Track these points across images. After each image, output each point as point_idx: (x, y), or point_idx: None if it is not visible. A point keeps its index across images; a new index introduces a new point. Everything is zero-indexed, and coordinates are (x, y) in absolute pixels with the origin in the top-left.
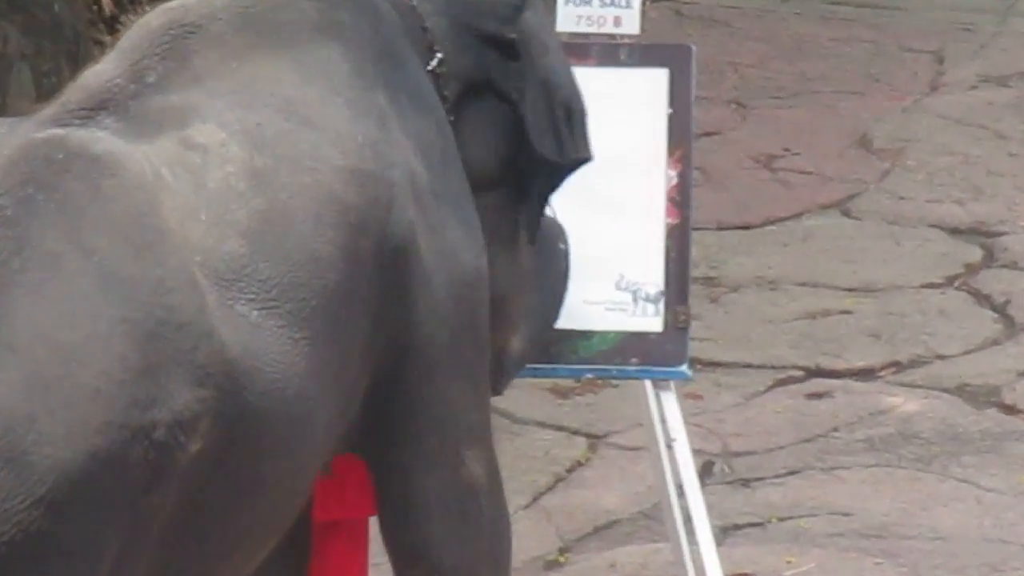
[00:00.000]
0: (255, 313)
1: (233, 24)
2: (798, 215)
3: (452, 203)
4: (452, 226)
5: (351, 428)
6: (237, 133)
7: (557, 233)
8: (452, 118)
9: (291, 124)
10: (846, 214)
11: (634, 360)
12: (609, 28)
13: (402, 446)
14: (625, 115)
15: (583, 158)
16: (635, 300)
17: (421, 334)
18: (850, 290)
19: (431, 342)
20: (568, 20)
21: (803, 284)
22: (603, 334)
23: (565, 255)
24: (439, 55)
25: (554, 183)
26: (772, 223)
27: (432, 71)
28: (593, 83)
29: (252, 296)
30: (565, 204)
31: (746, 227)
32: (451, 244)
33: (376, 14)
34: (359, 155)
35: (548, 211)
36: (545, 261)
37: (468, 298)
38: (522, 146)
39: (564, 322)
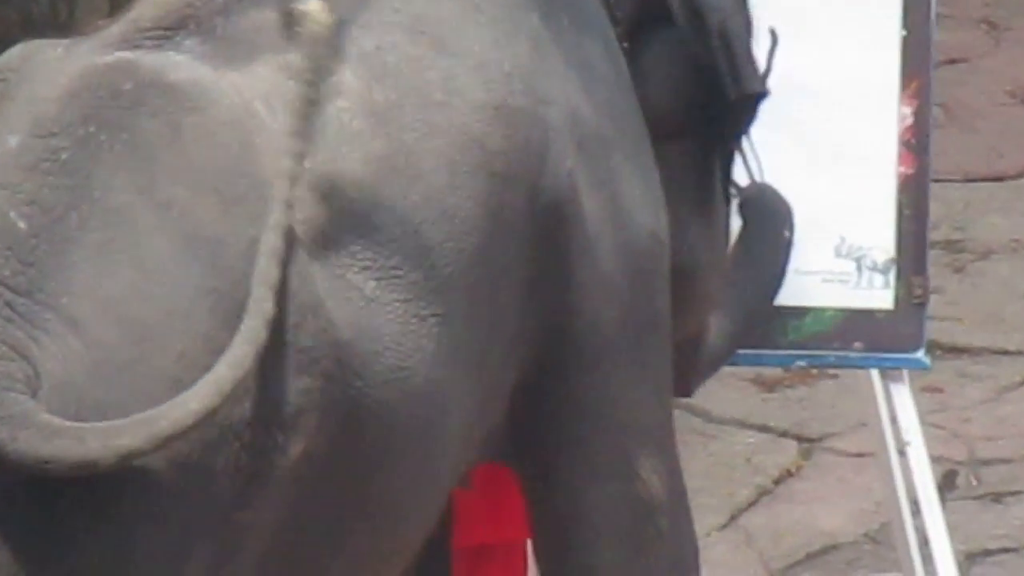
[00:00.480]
0: (372, 283)
1: None
2: None
3: (625, 150)
4: (624, 179)
5: (496, 431)
6: (351, 58)
7: (774, 198)
8: (626, 45)
9: (419, 48)
10: None
11: (858, 344)
12: None
13: (561, 454)
14: (846, 38)
15: (749, 94)
16: (859, 269)
17: (584, 314)
18: None
19: (596, 324)
20: None
21: None
22: (819, 311)
23: (787, 223)
24: None
25: (734, 127)
26: None
27: None
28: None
29: (368, 263)
30: (771, 151)
31: (1000, 178)
32: (623, 202)
33: None
34: (506, 88)
35: (755, 169)
36: (758, 230)
37: (644, 270)
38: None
39: None
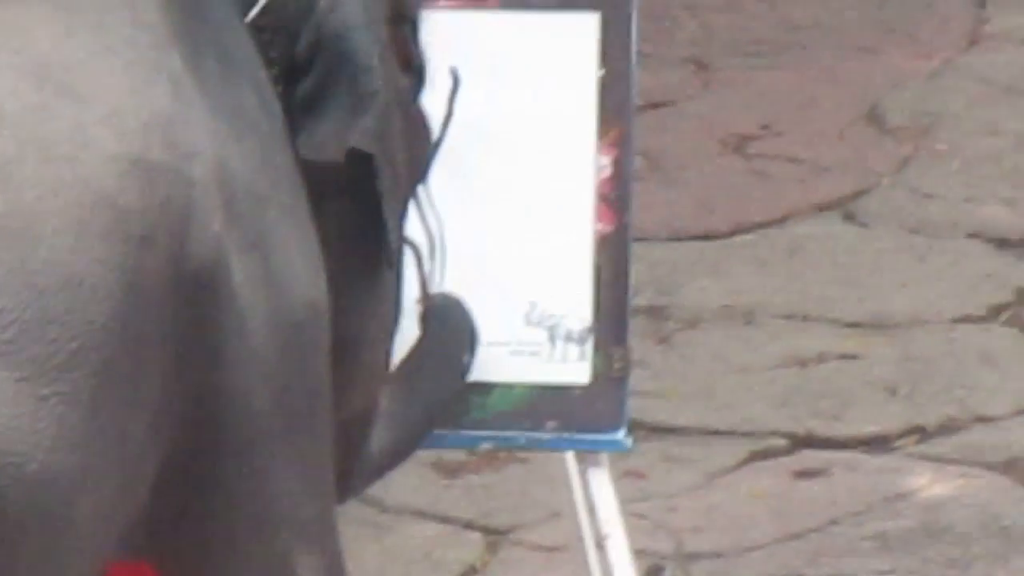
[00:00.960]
0: None
1: None
2: (782, 220)
3: (280, 208)
4: (279, 242)
5: (138, 524)
6: None
7: (459, 314)
8: (280, 88)
9: (43, 95)
10: (849, 218)
11: (551, 424)
12: None
13: (210, 552)
14: (538, 79)
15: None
16: (552, 339)
17: (233, 395)
18: (855, 325)
19: (247, 407)
20: None
21: (789, 317)
22: (507, 387)
23: (469, 345)
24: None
25: (379, 186)
26: (746, 231)
27: (254, 23)
28: (494, 33)
29: None
30: (453, 205)
31: (709, 237)
32: (276, 267)
33: None
34: (143, 139)
35: (434, 227)
36: (434, 347)
37: (299, 343)
38: None
39: None
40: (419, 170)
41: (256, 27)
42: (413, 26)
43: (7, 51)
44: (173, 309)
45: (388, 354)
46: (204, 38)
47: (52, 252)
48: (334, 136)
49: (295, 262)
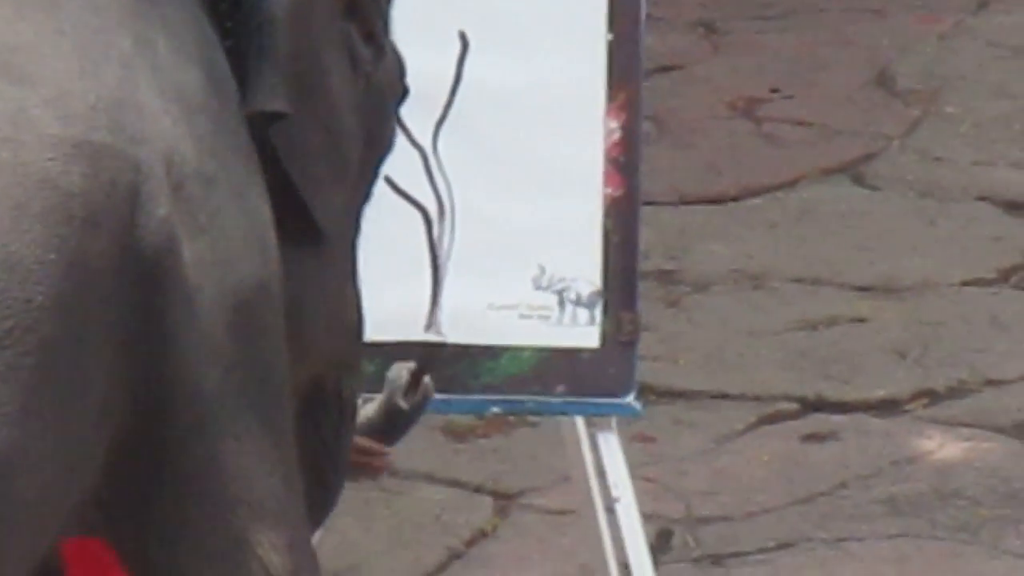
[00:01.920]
0: None
1: None
2: (792, 183)
3: (230, 190)
4: (228, 222)
5: (88, 504)
6: None
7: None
8: (233, 59)
9: None
10: (859, 182)
11: (560, 388)
12: None
13: (165, 532)
14: (547, 43)
15: (263, 110)
16: (562, 303)
17: (184, 377)
18: (864, 289)
19: (198, 388)
20: None
21: (799, 281)
22: (516, 351)
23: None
24: None
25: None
26: (755, 195)
27: None
28: None
29: None
30: (462, 169)
31: (719, 200)
32: (225, 250)
33: None
34: (88, 122)
35: (443, 190)
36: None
37: (248, 324)
38: None
39: (462, 334)
40: (382, 141)
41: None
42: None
43: None
44: (120, 292)
45: (333, 324)
46: (154, 19)
47: None
48: (249, 95)
49: (243, 241)
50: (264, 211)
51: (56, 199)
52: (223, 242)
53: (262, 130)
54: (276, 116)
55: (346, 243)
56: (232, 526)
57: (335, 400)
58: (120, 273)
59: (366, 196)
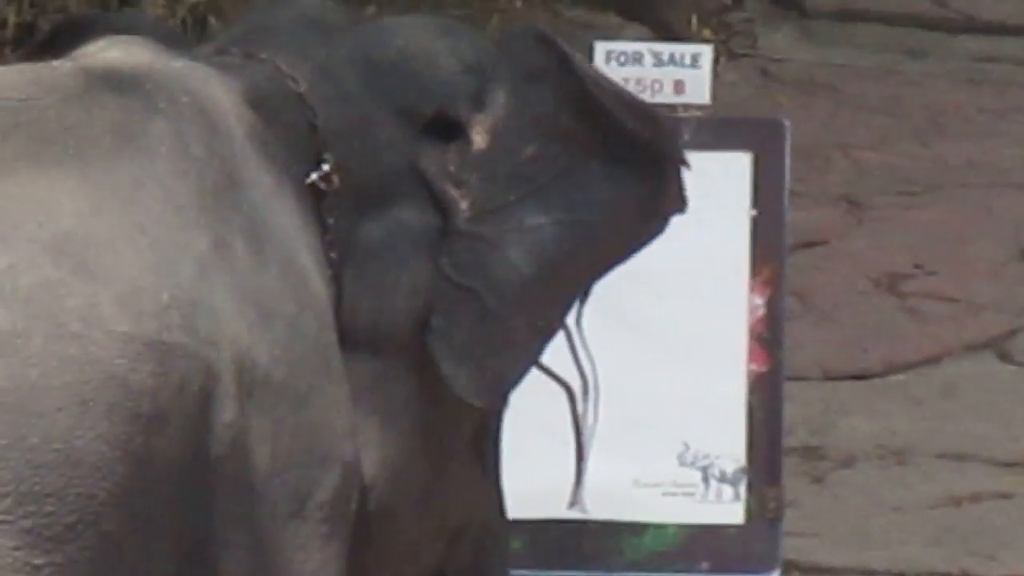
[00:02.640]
0: None
1: None
2: (937, 359)
3: (291, 400)
4: (290, 432)
5: None
6: None
7: None
8: (334, 255)
9: (60, 271)
10: (1005, 358)
11: (705, 564)
12: (668, 96)
13: None
14: (691, 218)
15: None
16: (706, 479)
17: None
18: (1010, 465)
19: None
20: None
21: (943, 456)
22: (660, 528)
23: None
24: (327, 164)
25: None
26: (899, 370)
27: (313, 184)
28: None
29: None
30: (605, 345)
31: (863, 376)
32: (286, 457)
33: (218, 115)
34: (160, 320)
35: (586, 366)
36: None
37: (331, 507)
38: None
39: (606, 511)
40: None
41: (316, 190)
42: None
43: (31, 224)
44: (183, 492)
45: (433, 532)
46: (236, 220)
47: (52, 428)
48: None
49: (308, 453)
50: (344, 418)
51: (123, 396)
52: (284, 450)
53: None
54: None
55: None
56: None
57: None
58: (185, 473)
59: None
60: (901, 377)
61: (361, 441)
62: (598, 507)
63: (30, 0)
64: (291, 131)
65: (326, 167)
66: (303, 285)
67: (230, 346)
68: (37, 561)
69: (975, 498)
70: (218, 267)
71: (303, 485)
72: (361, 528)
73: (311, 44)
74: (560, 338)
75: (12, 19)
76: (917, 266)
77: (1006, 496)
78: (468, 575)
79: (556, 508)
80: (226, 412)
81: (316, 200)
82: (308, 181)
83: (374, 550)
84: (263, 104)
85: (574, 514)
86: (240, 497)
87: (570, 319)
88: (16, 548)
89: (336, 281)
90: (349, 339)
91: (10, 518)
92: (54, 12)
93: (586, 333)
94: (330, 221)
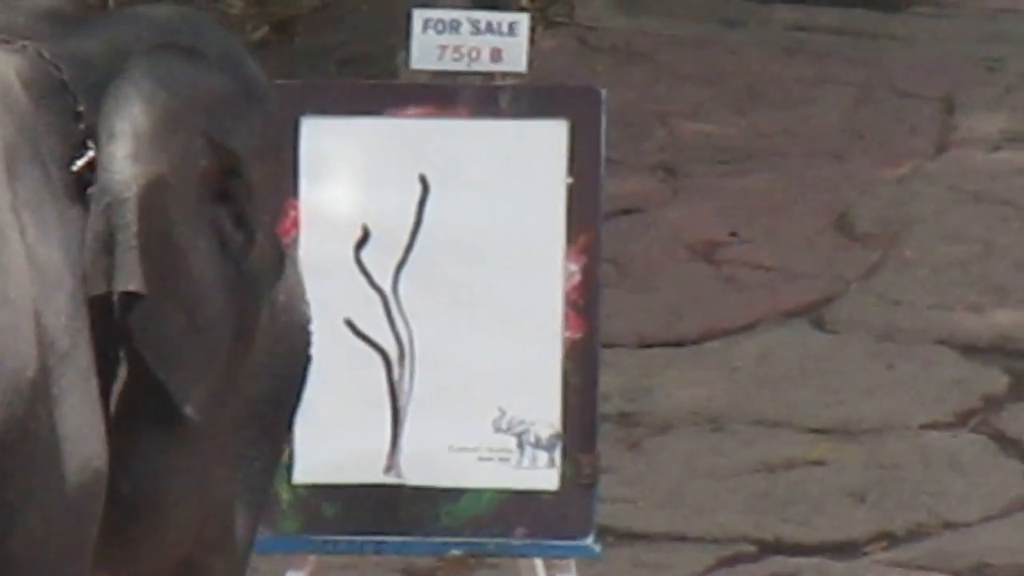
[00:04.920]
0: None
1: None
2: (751, 327)
3: (76, 370)
4: (78, 402)
5: None
6: None
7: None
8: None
9: None
10: (818, 325)
11: (520, 530)
12: (486, 64)
13: None
14: (507, 186)
15: (123, 291)
16: (521, 446)
17: (21, 548)
18: (823, 432)
19: (34, 561)
20: (427, 53)
21: (758, 423)
22: (476, 493)
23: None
24: (91, 151)
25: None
26: (715, 337)
27: (79, 172)
28: (463, 141)
29: None
30: (422, 312)
31: (679, 343)
32: (76, 428)
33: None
34: None
35: (403, 333)
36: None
37: (84, 506)
38: None
39: (422, 476)
40: (251, 323)
41: (79, 177)
42: (242, 179)
43: None
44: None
45: (205, 508)
46: (19, 198)
47: None
48: (99, 274)
49: (88, 427)
50: (97, 399)
51: None
52: (70, 421)
53: (122, 313)
54: (132, 298)
55: (219, 429)
56: None
57: None
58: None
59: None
60: (716, 344)
61: (128, 425)
62: (414, 472)
63: None
64: (57, 117)
65: (90, 155)
66: (78, 264)
67: (28, 308)
68: None
69: (789, 465)
70: (7, 238)
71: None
72: (119, 517)
73: (61, 33)
74: (377, 304)
75: None
76: (732, 234)
77: (819, 463)
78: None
79: (372, 473)
80: (28, 369)
81: (81, 187)
82: (74, 169)
83: (135, 536)
84: (32, 88)
85: (390, 479)
86: (29, 461)
87: (387, 285)
88: None
89: None
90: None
91: None
92: None
93: (403, 299)
94: (89, 191)
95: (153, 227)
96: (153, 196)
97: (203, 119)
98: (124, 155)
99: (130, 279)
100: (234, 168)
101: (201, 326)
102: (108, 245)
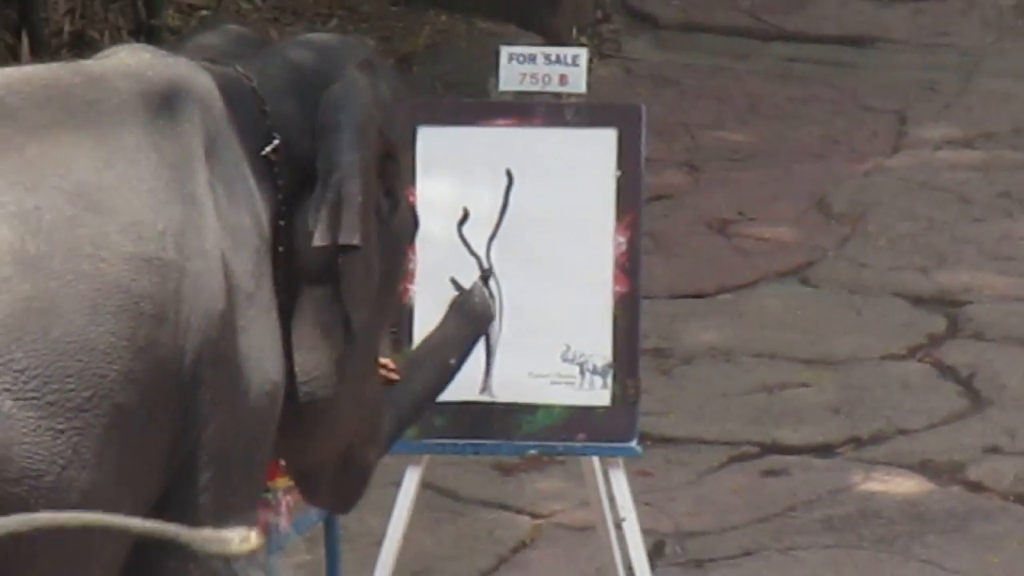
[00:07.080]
0: (8, 403)
1: (32, 98)
2: (754, 283)
3: (259, 307)
4: (258, 331)
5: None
6: (9, 216)
7: (474, 309)
8: (284, 208)
9: (76, 209)
10: (804, 282)
11: (581, 436)
12: (555, 87)
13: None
14: (571, 178)
15: (345, 244)
16: (582, 373)
17: (215, 440)
18: (808, 362)
19: (225, 451)
20: (511, 78)
21: (759, 356)
22: (548, 408)
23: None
24: (276, 140)
25: (341, 275)
26: (726, 292)
27: (267, 156)
28: (538, 144)
29: (6, 387)
30: (509, 274)
31: (699, 296)
32: (256, 352)
33: (200, 98)
34: (157, 243)
35: (494, 289)
36: (448, 335)
37: (264, 410)
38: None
39: (508, 395)
40: (395, 276)
41: (268, 160)
42: (396, 162)
43: (55, 176)
44: (182, 369)
45: (356, 413)
46: (219, 172)
47: (71, 325)
48: (327, 229)
49: (268, 350)
50: (277, 326)
51: (127, 300)
52: (255, 345)
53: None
54: (351, 249)
55: (371, 348)
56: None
57: (360, 468)
58: (181, 354)
59: (385, 316)
60: (728, 297)
61: (307, 345)
62: (502, 392)
63: (80, 13)
64: (249, 115)
65: (275, 143)
66: (262, 225)
67: (214, 259)
68: (59, 426)
69: (782, 386)
70: (207, 204)
71: (266, 375)
72: (297, 417)
73: (252, 54)
74: (473, 267)
75: (67, 28)
76: (740, 214)
77: (805, 385)
78: (354, 465)
79: (470, 393)
80: (218, 305)
81: (269, 168)
82: (263, 153)
83: (309, 431)
84: (229, 94)
85: (484, 398)
86: (227, 368)
87: (482, 252)
88: (41, 418)
89: (287, 229)
90: (297, 270)
91: (37, 394)
92: (99, 23)
93: (493, 263)
94: (280, 183)
95: (366, 196)
96: (366, 174)
97: (380, 116)
98: (348, 143)
99: (353, 235)
100: (390, 153)
101: (370, 272)
102: (337, 209)
